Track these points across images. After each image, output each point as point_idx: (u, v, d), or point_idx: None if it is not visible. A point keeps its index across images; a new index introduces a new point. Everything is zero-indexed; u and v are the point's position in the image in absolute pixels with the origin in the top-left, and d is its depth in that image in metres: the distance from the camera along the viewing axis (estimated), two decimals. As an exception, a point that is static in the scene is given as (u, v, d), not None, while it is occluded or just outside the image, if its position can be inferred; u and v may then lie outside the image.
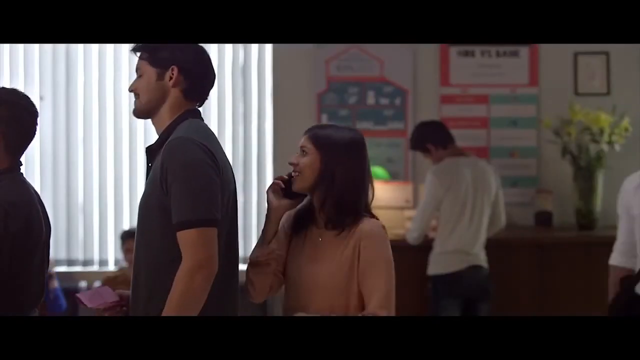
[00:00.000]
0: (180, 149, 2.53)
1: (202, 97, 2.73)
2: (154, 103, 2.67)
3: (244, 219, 5.79)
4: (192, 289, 2.44)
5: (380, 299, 2.54)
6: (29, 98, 2.85)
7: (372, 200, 2.68)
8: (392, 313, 2.56)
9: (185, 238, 2.47)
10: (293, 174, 2.66)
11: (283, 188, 2.69)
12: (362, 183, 2.64)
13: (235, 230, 2.69)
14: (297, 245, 2.70)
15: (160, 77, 2.66)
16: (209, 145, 2.55)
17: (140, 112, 2.72)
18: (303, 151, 2.65)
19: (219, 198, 2.53)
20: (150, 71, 2.67)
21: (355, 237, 2.59)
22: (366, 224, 2.61)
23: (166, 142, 2.58)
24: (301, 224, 2.70)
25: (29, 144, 2.85)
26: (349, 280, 2.58)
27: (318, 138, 2.65)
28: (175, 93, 2.67)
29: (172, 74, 2.65)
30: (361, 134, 2.71)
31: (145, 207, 2.60)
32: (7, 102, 2.78)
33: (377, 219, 2.66)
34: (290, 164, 2.68)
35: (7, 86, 2.98)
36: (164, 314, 2.45)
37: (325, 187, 2.61)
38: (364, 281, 2.58)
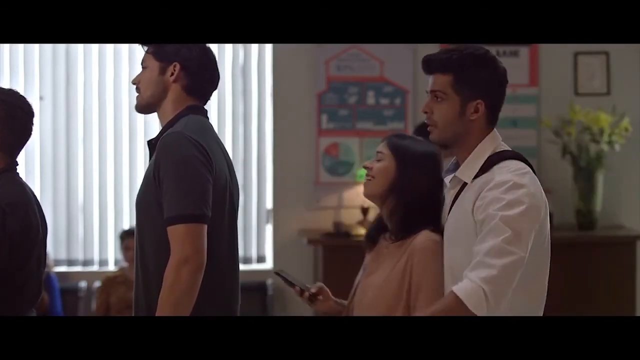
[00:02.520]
0: (173, 144, 2.53)
1: (204, 95, 2.74)
2: (155, 98, 2.68)
3: (244, 219, 5.78)
4: (179, 283, 2.44)
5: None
6: (24, 98, 2.85)
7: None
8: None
9: (173, 233, 2.47)
10: (366, 178, 2.59)
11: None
12: (432, 197, 2.54)
13: (234, 228, 2.68)
14: (366, 262, 2.64)
15: (162, 71, 2.67)
16: (203, 142, 2.55)
17: (141, 107, 2.73)
18: (379, 156, 2.58)
19: (210, 194, 2.52)
20: (154, 65, 2.69)
21: (409, 250, 2.49)
22: (420, 236, 2.50)
23: (161, 137, 2.59)
24: (372, 241, 2.64)
25: (24, 144, 2.85)
26: (398, 292, 2.49)
27: (396, 146, 2.57)
28: (176, 89, 2.68)
29: (174, 70, 2.67)
30: (439, 150, 2.58)
31: (144, 203, 2.59)
32: (3, 101, 2.78)
33: (438, 232, 2.52)
34: (364, 167, 2.61)
35: (7, 86, 2.98)
36: (158, 310, 2.46)
37: (396, 196, 2.53)
38: (418, 295, 2.48)
